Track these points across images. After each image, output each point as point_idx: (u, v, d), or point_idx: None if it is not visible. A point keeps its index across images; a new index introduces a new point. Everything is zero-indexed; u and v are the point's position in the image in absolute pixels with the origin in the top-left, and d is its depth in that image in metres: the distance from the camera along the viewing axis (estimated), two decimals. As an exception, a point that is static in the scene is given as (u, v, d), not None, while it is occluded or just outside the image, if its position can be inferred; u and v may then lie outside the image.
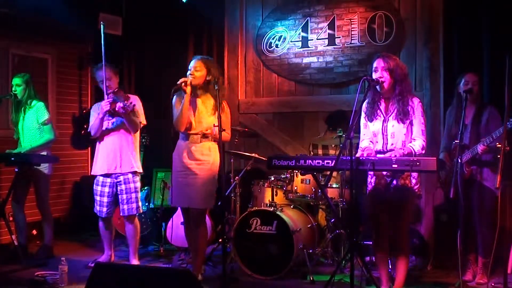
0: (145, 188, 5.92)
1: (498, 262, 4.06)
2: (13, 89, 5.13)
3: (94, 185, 4.81)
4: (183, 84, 4.19)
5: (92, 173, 4.87)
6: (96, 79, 4.87)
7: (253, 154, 5.22)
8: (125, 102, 4.53)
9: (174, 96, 4.31)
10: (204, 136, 4.26)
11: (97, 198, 4.78)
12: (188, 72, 4.28)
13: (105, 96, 4.65)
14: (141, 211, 4.84)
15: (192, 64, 4.29)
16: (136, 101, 4.72)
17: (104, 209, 4.77)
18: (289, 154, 5.76)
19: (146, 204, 5.87)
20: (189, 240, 4.46)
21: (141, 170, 4.85)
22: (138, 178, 4.81)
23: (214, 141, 4.29)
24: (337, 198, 4.93)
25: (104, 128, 4.72)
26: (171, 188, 4.43)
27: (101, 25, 4.69)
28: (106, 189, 4.74)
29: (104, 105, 4.59)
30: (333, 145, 5.53)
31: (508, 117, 3.63)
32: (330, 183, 5.00)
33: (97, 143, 4.82)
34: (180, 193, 4.30)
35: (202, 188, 4.23)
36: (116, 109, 4.57)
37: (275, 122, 6.19)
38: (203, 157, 4.25)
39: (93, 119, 4.76)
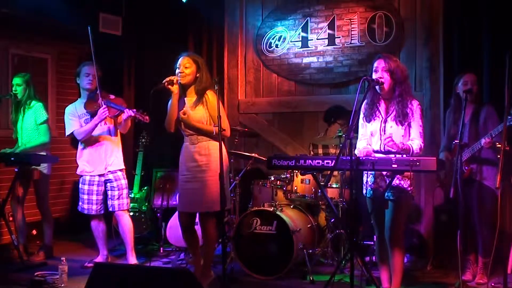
0: (145, 188, 5.93)
1: (498, 262, 4.06)
2: (14, 88, 5.14)
3: (80, 184, 4.84)
4: (166, 84, 4.08)
5: (78, 173, 4.87)
6: (80, 72, 4.83)
7: (253, 154, 5.22)
8: (134, 110, 4.56)
9: (170, 99, 4.19)
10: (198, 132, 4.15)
11: (85, 196, 4.80)
12: (177, 70, 4.15)
13: (101, 103, 4.64)
14: (129, 207, 4.91)
15: (180, 61, 4.15)
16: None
17: (94, 207, 4.79)
18: (289, 154, 5.76)
19: (146, 204, 5.87)
20: (188, 243, 4.39)
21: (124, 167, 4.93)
22: (125, 175, 4.88)
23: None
24: (337, 198, 4.94)
25: (97, 133, 4.75)
26: (176, 191, 4.41)
27: (89, 29, 4.67)
28: (95, 187, 4.77)
29: (103, 113, 4.59)
30: (333, 145, 5.54)
31: (508, 116, 3.63)
32: (330, 183, 5.00)
33: (81, 144, 4.84)
34: (188, 198, 4.21)
35: (209, 192, 4.12)
36: (124, 117, 4.62)
37: (275, 122, 6.19)
38: (202, 158, 4.15)
39: (73, 123, 4.77)
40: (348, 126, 3.75)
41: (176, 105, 4.15)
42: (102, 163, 4.75)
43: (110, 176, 4.75)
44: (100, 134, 4.77)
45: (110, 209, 4.81)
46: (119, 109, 4.63)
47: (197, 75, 4.16)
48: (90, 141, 4.77)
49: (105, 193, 4.82)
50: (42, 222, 5.37)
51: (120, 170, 4.82)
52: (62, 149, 6.25)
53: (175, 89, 4.11)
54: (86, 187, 4.80)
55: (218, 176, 4.05)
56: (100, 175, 4.77)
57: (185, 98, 4.23)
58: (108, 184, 4.77)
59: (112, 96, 4.80)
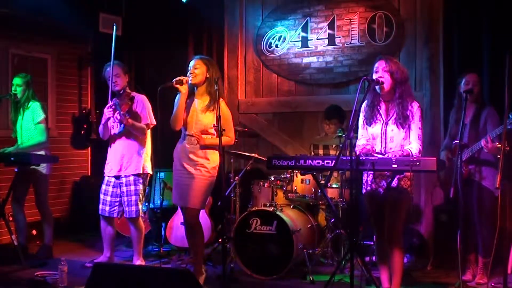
0: (145, 188, 5.92)
1: (498, 262, 4.06)
2: (13, 88, 5.14)
3: (102, 184, 4.81)
4: (175, 83, 4.14)
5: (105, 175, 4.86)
6: (104, 76, 4.83)
7: (253, 154, 5.22)
8: (122, 113, 4.50)
9: (178, 95, 4.24)
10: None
11: (101, 196, 4.77)
12: (189, 72, 4.25)
13: (109, 101, 4.63)
14: (141, 214, 4.78)
15: (192, 63, 4.27)
16: (143, 101, 4.71)
17: (107, 208, 4.74)
18: (289, 154, 5.76)
19: (146, 204, 5.86)
20: (189, 240, 4.45)
21: (147, 171, 4.78)
22: (141, 180, 4.73)
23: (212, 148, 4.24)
24: (337, 198, 4.93)
25: (112, 133, 4.73)
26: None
27: (114, 26, 4.66)
28: (110, 188, 4.74)
29: (107, 112, 4.58)
30: (333, 145, 5.53)
31: (508, 117, 3.63)
32: (330, 183, 5.00)
33: (108, 145, 4.83)
34: (177, 192, 4.31)
35: (195, 188, 4.19)
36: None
37: (275, 122, 6.19)
38: (198, 158, 4.21)
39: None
40: (348, 125, 3.75)
41: (184, 105, 4.22)
42: (117, 164, 4.68)
43: (123, 180, 4.68)
44: (118, 135, 4.71)
45: (124, 215, 4.77)
46: (117, 109, 4.55)
47: (207, 75, 4.23)
48: (111, 141, 4.76)
49: (120, 197, 4.75)
50: (42, 222, 5.37)
51: (135, 175, 4.68)
52: (62, 149, 6.26)
53: (183, 89, 4.18)
54: (104, 186, 4.76)
55: (209, 177, 4.22)
56: (116, 177, 4.72)
57: (195, 99, 4.27)
58: (121, 189, 4.71)
59: (135, 95, 4.72)
